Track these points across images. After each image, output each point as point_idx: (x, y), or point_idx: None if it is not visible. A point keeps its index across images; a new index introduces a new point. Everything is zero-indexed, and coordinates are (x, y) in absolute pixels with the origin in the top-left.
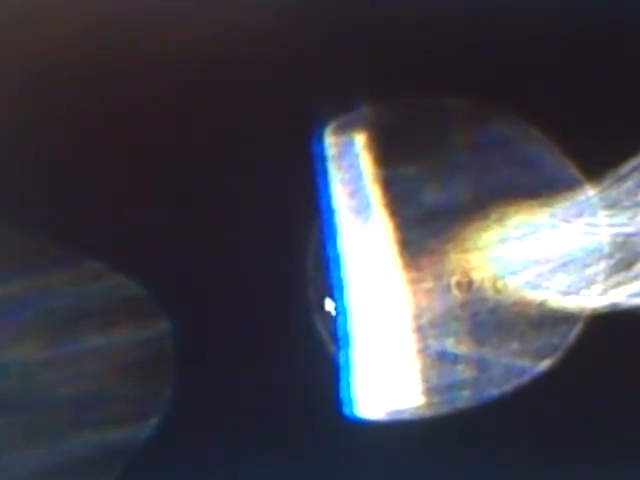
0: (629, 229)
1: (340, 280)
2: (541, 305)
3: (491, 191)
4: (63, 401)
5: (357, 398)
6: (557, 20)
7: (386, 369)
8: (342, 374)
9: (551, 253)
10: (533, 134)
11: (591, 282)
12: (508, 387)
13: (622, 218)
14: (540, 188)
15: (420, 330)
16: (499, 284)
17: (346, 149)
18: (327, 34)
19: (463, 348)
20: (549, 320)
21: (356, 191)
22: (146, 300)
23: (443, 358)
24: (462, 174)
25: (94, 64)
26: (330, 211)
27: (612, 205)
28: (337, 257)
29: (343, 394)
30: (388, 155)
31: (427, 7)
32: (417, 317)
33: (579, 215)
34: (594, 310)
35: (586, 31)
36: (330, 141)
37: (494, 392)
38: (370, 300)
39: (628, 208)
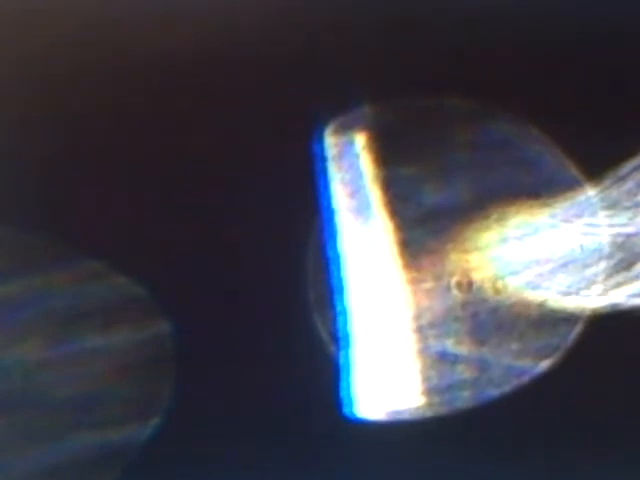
0: (629, 229)
1: (340, 280)
2: (541, 305)
3: (491, 191)
4: (63, 401)
5: (357, 398)
6: (557, 20)
7: (386, 369)
8: (342, 374)
9: (551, 253)
10: (533, 134)
11: (591, 282)
12: (508, 387)
13: (622, 218)
14: (540, 188)
15: (420, 330)
16: (499, 284)
17: (346, 149)
18: (327, 34)
19: (463, 348)
20: (549, 320)
21: (356, 191)
22: (146, 300)
23: (443, 358)
24: (462, 174)
25: (93, 64)
26: (330, 211)
27: (612, 205)
28: (337, 257)
29: (343, 394)
30: (388, 155)
31: (427, 7)
32: (417, 317)
33: (579, 215)
34: (594, 310)
35: (586, 31)
36: (330, 141)
37: (494, 392)
38: (370, 300)
39: (628, 208)
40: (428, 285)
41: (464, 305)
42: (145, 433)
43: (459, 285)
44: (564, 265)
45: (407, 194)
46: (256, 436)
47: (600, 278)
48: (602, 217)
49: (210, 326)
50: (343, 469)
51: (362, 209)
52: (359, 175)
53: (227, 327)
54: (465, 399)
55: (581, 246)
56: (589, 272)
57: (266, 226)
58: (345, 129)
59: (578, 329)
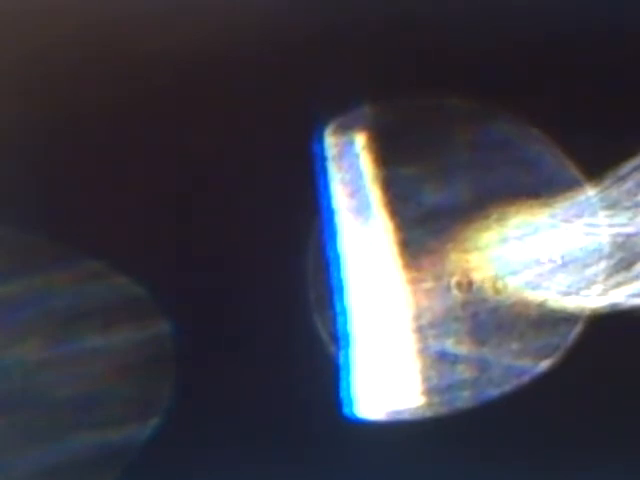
0: (629, 229)
1: (340, 280)
2: (541, 305)
3: (491, 191)
4: (63, 401)
5: (357, 398)
6: (557, 20)
7: (386, 369)
8: (342, 374)
9: (551, 253)
10: (533, 134)
11: (591, 282)
12: (508, 387)
13: (622, 218)
14: (540, 188)
15: (420, 330)
16: (499, 284)
17: (346, 149)
18: (327, 34)
19: (463, 348)
20: (549, 320)
21: (356, 191)
22: (146, 300)
23: (443, 358)
24: (462, 174)
25: (93, 64)
26: (330, 211)
27: (612, 205)
28: (337, 257)
29: (343, 394)
30: (388, 155)
31: (427, 7)
32: (417, 317)
33: (579, 215)
34: (594, 310)
35: (586, 31)
36: (330, 141)
37: (494, 392)
38: (370, 300)
39: (628, 208)
40: (428, 285)
41: (464, 305)
42: (145, 433)
43: (459, 285)
44: (564, 265)
45: (407, 194)
46: (256, 436)
47: (600, 278)
48: (602, 217)
49: (210, 326)
50: (343, 469)
51: (362, 209)
52: (359, 175)
53: (227, 327)
54: (465, 399)
55: (581, 246)
56: (589, 272)
57: (266, 226)
58: (345, 129)
59: (578, 329)
